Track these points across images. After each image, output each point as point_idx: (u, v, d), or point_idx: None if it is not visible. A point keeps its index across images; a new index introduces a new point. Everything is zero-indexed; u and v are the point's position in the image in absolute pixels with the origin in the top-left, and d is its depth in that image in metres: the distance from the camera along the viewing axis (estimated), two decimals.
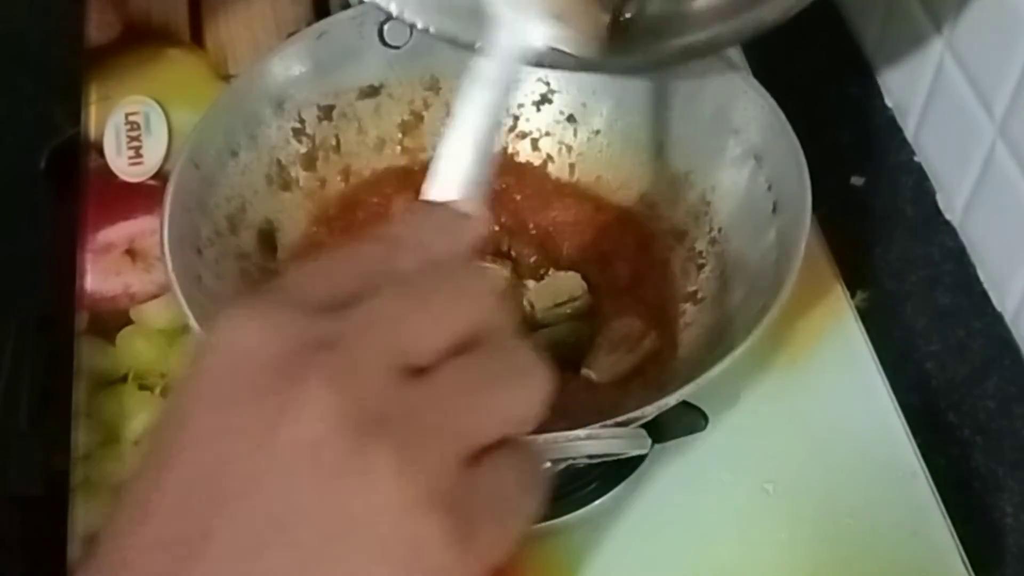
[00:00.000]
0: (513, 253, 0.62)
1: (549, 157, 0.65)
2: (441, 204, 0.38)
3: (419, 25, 0.57)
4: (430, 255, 0.33)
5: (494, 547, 0.30)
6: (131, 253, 0.65)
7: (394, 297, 0.31)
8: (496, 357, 0.31)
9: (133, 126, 0.70)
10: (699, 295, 0.59)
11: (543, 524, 0.55)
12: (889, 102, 0.65)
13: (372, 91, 0.63)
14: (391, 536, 0.28)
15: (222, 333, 0.30)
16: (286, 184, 0.61)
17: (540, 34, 0.47)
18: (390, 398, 0.29)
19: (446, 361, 0.30)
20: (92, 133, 0.70)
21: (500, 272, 0.35)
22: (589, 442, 0.47)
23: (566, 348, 0.58)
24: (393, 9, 0.57)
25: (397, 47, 0.62)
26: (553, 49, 0.48)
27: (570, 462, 0.50)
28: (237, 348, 0.30)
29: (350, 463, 0.28)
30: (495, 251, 0.62)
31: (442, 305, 0.31)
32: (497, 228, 0.63)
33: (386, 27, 0.61)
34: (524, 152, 0.65)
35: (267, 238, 0.60)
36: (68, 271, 0.64)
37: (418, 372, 0.30)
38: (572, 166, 0.65)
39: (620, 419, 0.48)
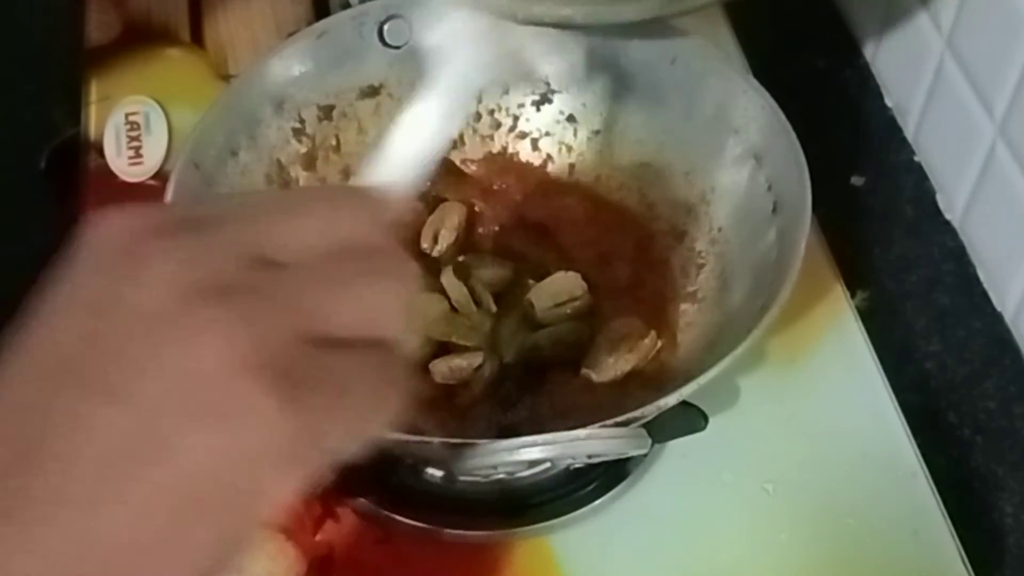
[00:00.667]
0: (513, 253, 0.62)
1: (549, 157, 0.65)
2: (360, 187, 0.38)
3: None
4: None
5: (322, 421, 0.30)
6: None
7: (267, 208, 0.32)
8: (361, 257, 0.31)
9: (133, 126, 0.70)
10: (699, 295, 0.59)
11: (543, 524, 0.55)
12: (889, 102, 0.65)
13: (372, 91, 0.63)
14: (221, 397, 0.28)
15: (95, 228, 0.31)
16: (286, 184, 0.61)
17: None
18: (236, 275, 0.29)
19: (308, 257, 0.31)
20: (92, 133, 0.70)
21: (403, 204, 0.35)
22: (589, 442, 0.47)
23: (566, 348, 0.58)
24: None
25: (397, 47, 0.62)
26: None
27: (570, 462, 0.50)
28: (98, 236, 0.30)
29: (184, 325, 0.29)
30: (495, 251, 0.62)
31: (314, 214, 0.31)
32: (497, 228, 0.63)
33: (386, 27, 0.61)
34: (524, 152, 0.65)
35: None
36: None
37: (270, 267, 0.30)
38: (572, 166, 0.65)
39: (620, 419, 0.48)
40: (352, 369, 0.31)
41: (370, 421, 0.31)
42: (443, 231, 0.62)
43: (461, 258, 0.61)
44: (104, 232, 0.31)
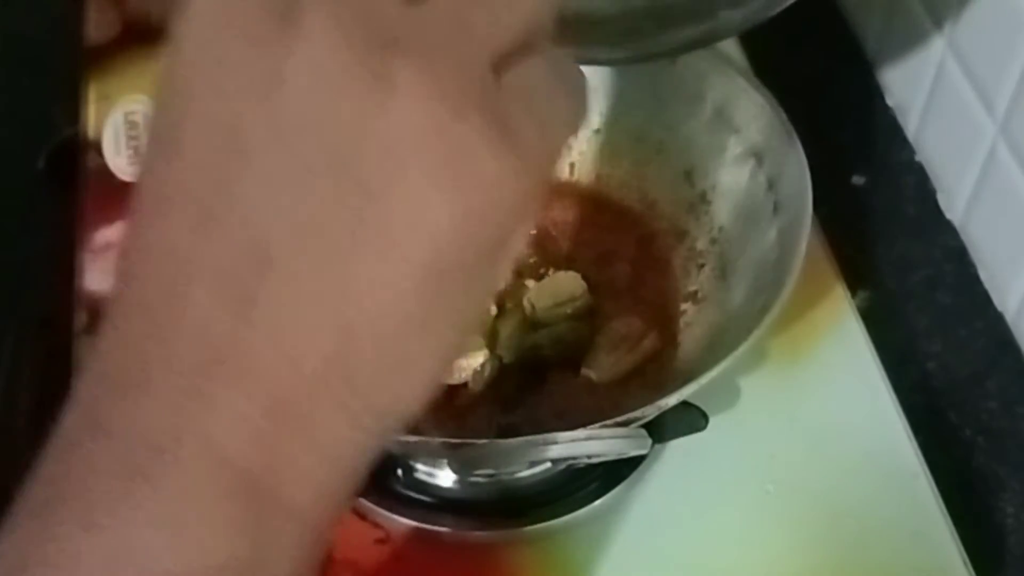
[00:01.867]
0: None
1: None
2: None
3: None
4: None
5: (539, 148, 0.28)
6: None
7: None
8: None
9: (132, 126, 0.70)
10: (699, 295, 0.59)
11: (543, 524, 0.55)
12: (890, 101, 0.65)
13: None
14: (431, 151, 0.26)
15: None
16: None
17: None
18: (396, 16, 0.27)
19: None
20: (91, 133, 0.70)
21: None
22: (589, 442, 0.47)
23: (566, 348, 0.58)
24: None
25: None
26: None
27: (570, 462, 0.50)
28: (217, 3, 0.27)
29: (373, 89, 0.26)
30: None
31: None
32: None
33: None
34: None
35: None
36: (68, 271, 0.64)
37: None
38: (572, 166, 0.65)
39: (620, 419, 0.48)
40: (539, 86, 0.29)
41: (570, 124, 0.30)
42: None
43: None
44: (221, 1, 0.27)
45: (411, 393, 0.28)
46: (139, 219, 0.28)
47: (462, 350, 0.29)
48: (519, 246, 0.29)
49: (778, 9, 0.51)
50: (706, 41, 0.54)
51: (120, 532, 0.26)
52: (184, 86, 0.27)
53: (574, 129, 0.30)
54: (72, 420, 0.27)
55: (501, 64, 0.28)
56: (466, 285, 0.28)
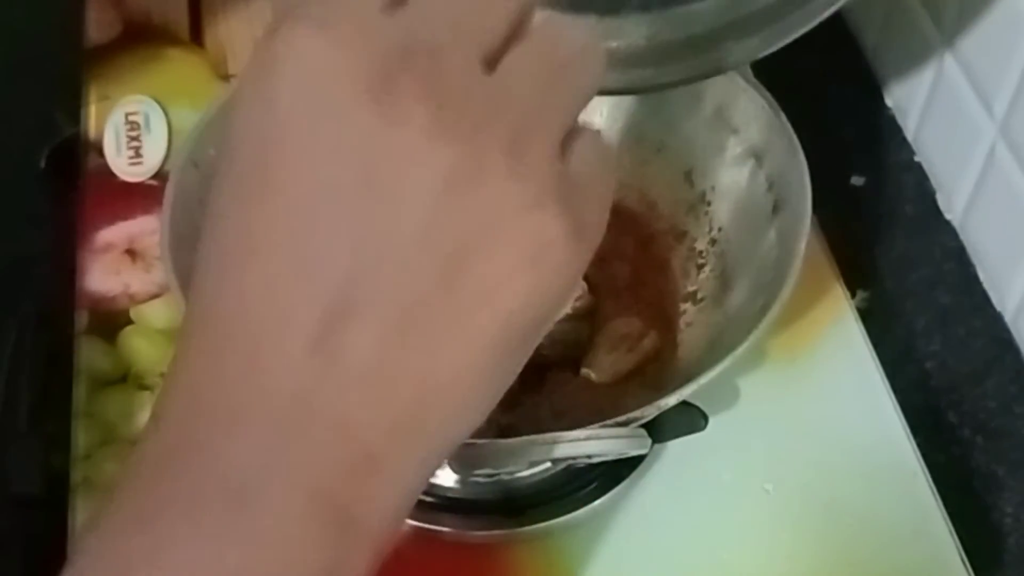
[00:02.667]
0: None
1: None
2: None
3: None
4: None
5: (597, 233, 0.32)
6: (131, 253, 0.65)
7: None
8: (550, 40, 0.32)
9: (133, 126, 0.70)
10: (699, 295, 0.59)
11: (543, 524, 0.55)
12: (889, 102, 0.65)
13: None
14: (518, 237, 0.29)
15: (287, 50, 0.29)
16: None
17: None
18: (481, 97, 0.29)
19: (511, 52, 0.31)
20: (92, 133, 0.70)
21: None
22: (589, 442, 0.47)
23: (566, 348, 0.58)
24: None
25: None
26: None
27: (570, 462, 0.50)
28: (313, 65, 0.29)
29: (462, 171, 0.29)
30: None
31: None
32: None
33: None
34: None
35: None
36: (68, 271, 0.64)
37: (489, 66, 0.30)
38: None
39: (620, 419, 0.48)
40: (591, 170, 0.32)
41: (610, 198, 0.33)
42: None
43: None
44: (318, 56, 0.29)
45: (468, 429, 0.32)
46: (229, 260, 0.30)
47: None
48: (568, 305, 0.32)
49: (780, 45, 0.51)
50: (713, 73, 0.54)
51: (218, 545, 0.28)
52: (277, 142, 0.29)
53: (611, 200, 0.33)
54: (168, 440, 0.29)
55: (564, 143, 0.31)
56: (526, 347, 0.32)
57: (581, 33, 0.33)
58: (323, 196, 0.29)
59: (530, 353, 0.33)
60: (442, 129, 0.29)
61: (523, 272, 0.30)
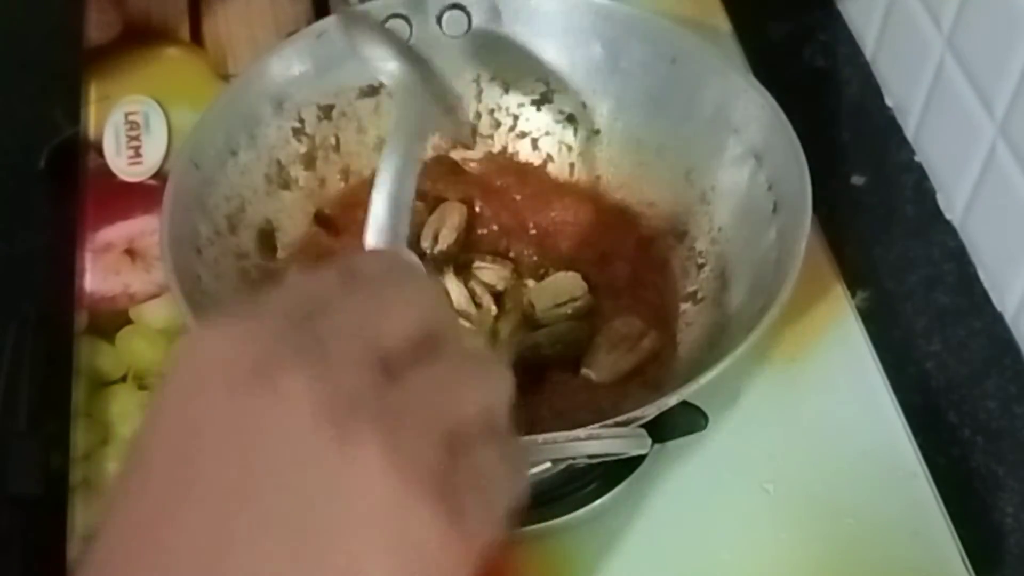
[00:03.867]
0: (513, 253, 0.62)
1: (549, 157, 0.65)
2: (385, 250, 0.43)
3: None
4: (380, 273, 0.35)
5: (484, 526, 0.31)
6: (131, 253, 0.65)
7: (357, 305, 0.32)
8: (460, 355, 0.33)
9: (133, 126, 0.70)
10: (699, 295, 0.59)
11: (543, 524, 0.55)
12: (889, 102, 0.65)
13: (372, 91, 0.63)
14: (384, 524, 0.29)
15: (189, 343, 0.31)
16: (285, 184, 0.61)
17: None
18: (368, 390, 0.30)
19: (416, 361, 0.32)
20: (92, 133, 0.70)
21: (439, 284, 0.42)
22: (589, 442, 0.47)
23: (566, 348, 0.58)
24: None
25: None
26: None
27: (570, 462, 0.50)
28: (206, 353, 0.31)
29: (337, 456, 0.29)
30: (495, 251, 0.62)
31: (401, 307, 0.33)
32: (497, 228, 0.63)
33: (386, 27, 0.61)
34: (524, 152, 0.65)
35: (266, 238, 0.60)
36: (68, 271, 0.64)
37: (389, 372, 0.31)
38: (572, 166, 0.65)
39: (620, 419, 0.48)
40: (490, 465, 0.32)
41: (512, 500, 0.33)
42: (443, 231, 0.61)
43: (461, 258, 0.61)
44: (212, 347, 0.31)
45: None
46: (105, 547, 0.31)
47: None
48: None
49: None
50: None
51: None
52: (162, 423, 0.31)
53: (515, 502, 0.33)
54: None
55: (459, 445, 0.31)
56: None
57: (485, 351, 0.35)
58: (199, 480, 0.30)
59: None
60: (319, 412, 0.29)
61: (392, 556, 0.29)
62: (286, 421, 0.29)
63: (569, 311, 0.59)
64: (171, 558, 0.30)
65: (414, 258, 0.40)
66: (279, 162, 0.61)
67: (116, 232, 0.66)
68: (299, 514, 0.29)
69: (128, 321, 0.62)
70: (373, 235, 0.44)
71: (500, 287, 0.60)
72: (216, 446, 0.30)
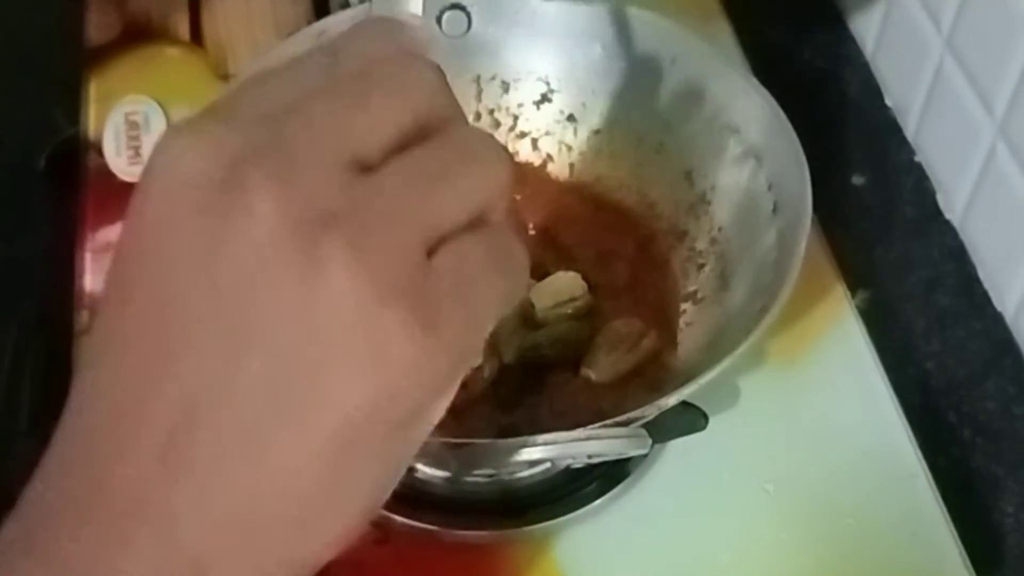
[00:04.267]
0: None
1: (549, 157, 0.65)
2: (379, 17, 0.35)
3: None
4: (368, 59, 0.32)
5: (463, 332, 0.29)
6: None
7: (330, 97, 0.30)
8: (448, 145, 0.31)
9: (133, 126, 0.70)
10: (699, 295, 0.59)
11: (543, 524, 0.55)
12: (889, 102, 0.65)
13: None
14: (352, 334, 0.28)
15: (160, 158, 0.29)
16: None
17: None
18: (336, 194, 0.28)
19: (396, 155, 0.30)
20: (92, 133, 0.70)
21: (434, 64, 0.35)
22: (589, 442, 0.47)
23: (566, 348, 0.58)
24: None
25: None
26: None
27: (570, 462, 0.50)
28: (175, 172, 0.29)
29: (304, 269, 0.28)
30: None
31: (381, 98, 0.30)
32: None
33: None
34: (524, 152, 0.65)
35: None
36: (68, 271, 0.64)
37: (366, 170, 0.29)
38: (572, 166, 0.65)
39: (620, 419, 0.48)
40: (473, 265, 0.30)
41: (502, 304, 0.31)
42: None
43: None
44: (180, 164, 0.29)
45: (319, 546, 0.31)
46: (92, 358, 0.30)
47: (377, 507, 0.32)
48: (438, 416, 0.31)
49: None
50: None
51: None
52: (137, 245, 0.30)
53: (506, 308, 0.31)
54: (12, 533, 0.30)
55: (438, 243, 0.29)
56: (378, 453, 0.30)
57: (484, 137, 0.32)
58: (172, 303, 0.29)
59: (403, 458, 0.31)
60: (286, 224, 0.28)
61: (363, 369, 0.28)
62: (254, 238, 0.28)
63: (569, 311, 0.59)
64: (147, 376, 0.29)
65: (419, 31, 0.34)
66: None
67: (116, 232, 0.65)
68: (267, 334, 0.28)
69: None
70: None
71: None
72: (188, 275, 0.28)
